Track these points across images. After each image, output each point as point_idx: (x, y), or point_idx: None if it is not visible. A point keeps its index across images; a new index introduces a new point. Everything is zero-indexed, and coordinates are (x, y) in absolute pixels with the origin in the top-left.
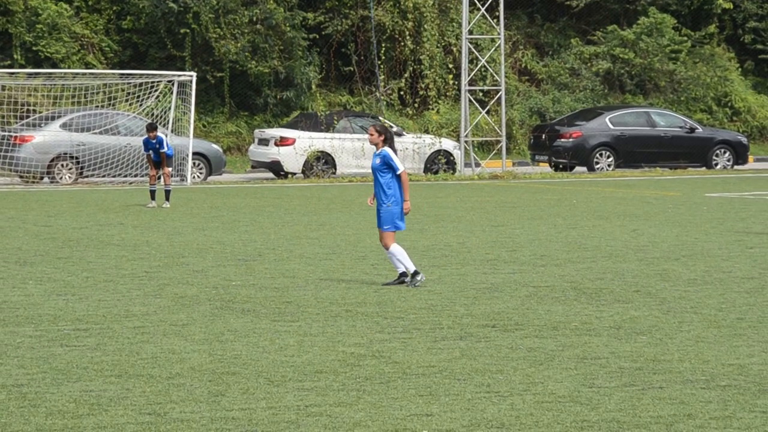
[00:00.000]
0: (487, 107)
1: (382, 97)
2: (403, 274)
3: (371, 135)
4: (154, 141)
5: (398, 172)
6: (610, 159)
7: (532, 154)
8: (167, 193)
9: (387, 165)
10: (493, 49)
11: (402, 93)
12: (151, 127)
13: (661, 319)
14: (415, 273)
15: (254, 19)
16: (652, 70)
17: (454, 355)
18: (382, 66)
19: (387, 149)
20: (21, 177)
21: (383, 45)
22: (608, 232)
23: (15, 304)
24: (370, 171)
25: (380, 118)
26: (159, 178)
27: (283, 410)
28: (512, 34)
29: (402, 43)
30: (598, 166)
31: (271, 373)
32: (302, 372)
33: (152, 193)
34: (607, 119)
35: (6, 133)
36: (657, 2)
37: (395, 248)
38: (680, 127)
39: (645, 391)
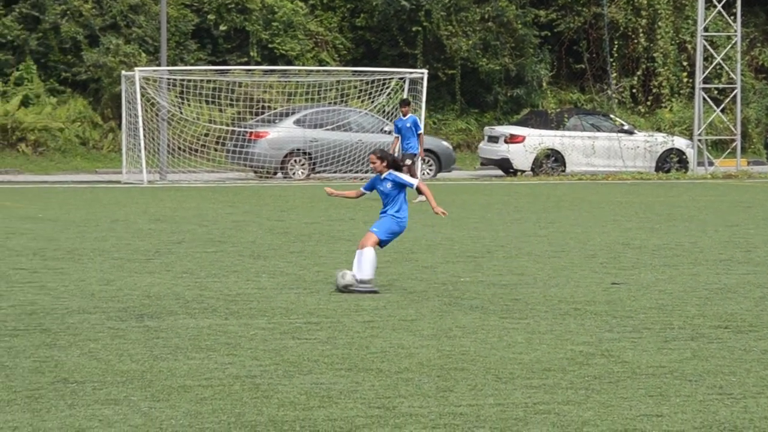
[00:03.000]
0: (722, 105)
1: (614, 95)
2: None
3: (373, 163)
4: (405, 119)
5: (414, 186)
6: None
7: (767, 153)
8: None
9: (399, 186)
10: (729, 46)
11: (634, 91)
12: (405, 102)
13: None
14: (368, 281)
15: (486, 16)
16: None
17: (685, 356)
18: (614, 63)
19: (393, 172)
20: (255, 172)
21: (616, 42)
22: None
23: (249, 297)
24: (600, 169)
25: (611, 116)
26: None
27: (511, 407)
28: (749, 31)
29: (635, 41)
30: None
31: (499, 370)
32: (530, 369)
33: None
34: None
35: (241, 129)
36: None
37: (370, 252)
38: None
39: None
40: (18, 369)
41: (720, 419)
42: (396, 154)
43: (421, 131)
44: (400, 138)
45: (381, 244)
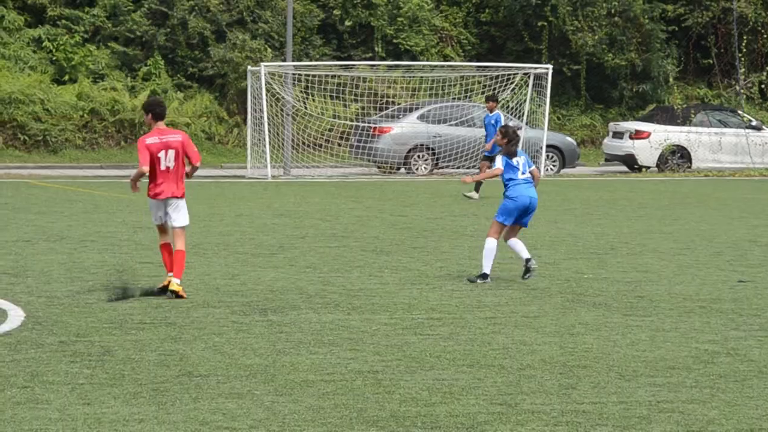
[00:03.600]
0: None
1: (742, 91)
2: (483, 275)
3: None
4: (491, 115)
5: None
6: None
7: None
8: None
9: (506, 164)
10: None
11: (763, 86)
12: (491, 98)
13: None
14: (484, 275)
15: (612, 11)
16: None
17: None
18: (742, 59)
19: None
20: (379, 167)
21: (745, 37)
22: None
23: (371, 292)
24: (727, 166)
25: (739, 111)
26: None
27: (635, 405)
28: None
29: (765, 36)
30: None
31: (623, 368)
32: (654, 367)
33: (477, 184)
34: None
35: (366, 125)
36: None
37: (490, 242)
38: None
39: None
40: (144, 362)
41: None
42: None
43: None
44: (486, 136)
45: (505, 224)
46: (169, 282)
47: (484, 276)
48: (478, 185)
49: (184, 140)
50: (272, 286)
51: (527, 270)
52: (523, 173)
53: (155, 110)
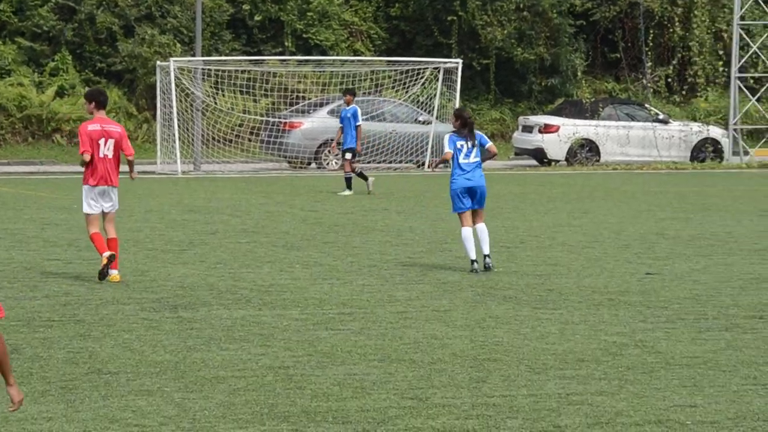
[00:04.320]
0: (758, 94)
1: (649, 85)
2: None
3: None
4: (348, 108)
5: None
6: None
7: None
8: (348, 180)
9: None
10: (766, 35)
11: (669, 80)
12: (349, 91)
13: None
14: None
15: (521, 5)
16: None
17: (720, 346)
18: (649, 53)
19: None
20: (289, 162)
21: (651, 31)
22: None
23: (282, 288)
24: (635, 159)
25: (646, 105)
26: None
27: (544, 398)
28: None
29: (671, 30)
30: None
31: (532, 361)
32: (563, 360)
33: (348, 180)
34: None
35: (276, 120)
36: None
37: (463, 232)
38: None
39: None
40: (52, 360)
41: (754, 409)
42: (338, 144)
43: (359, 123)
44: (342, 129)
45: (461, 212)
46: (109, 273)
47: (471, 262)
48: (349, 181)
49: (122, 132)
50: (182, 283)
51: (472, 269)
52: (466, 157)
53: (98, 99)
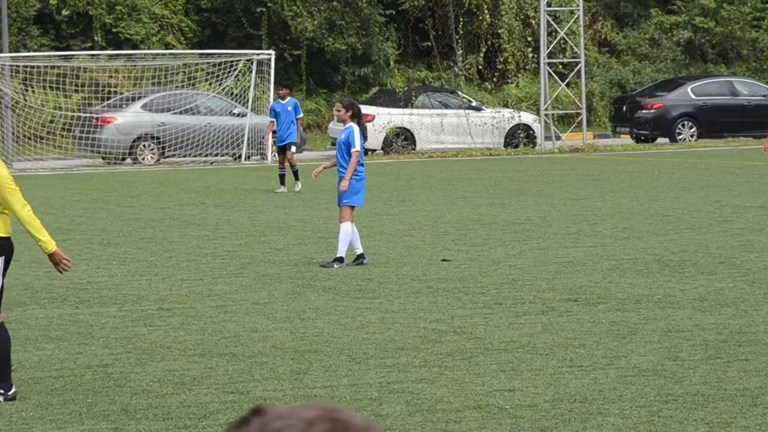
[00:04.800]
0: (567, 80)
1: (461, 72)
2: (361, 256)
3: (338, 111)
4: (285, 102)
5: (352, 150)
6: (692, 129)
7: (613, 126)
8: (296, 173)
9: (348, 143)
10: (572, 20)
11: (480, 67)
12: (284, 84)
13: (746, 290)
14: (340, 259)
15: None
16: (734, 38)
17: (536, 330)
18: (460, 40)
19: (353, 125)
20: (104, 158)
21: (461, 19)
22: (691, 204)
23: (99, 285)
24: (450, 146)
25: (459, 93)
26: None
27: (366, 387)
28: (591, 5)
29: (480, 17)
30: (680, 136)
31: (353, 351)
32: (384, 349)
33: (281, 177)
34: (689, 89)
35: (88, 115)
36: None
37: (346, 227)
38: (764, 96)
39: (730, 363)
40: None
41: (570, 391)
42: (270, 140)
43: (301, 116)
44: (275, 123)
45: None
46: None
47: (361, 256)
48: (282, 177)
49: None
50: None
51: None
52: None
53: None
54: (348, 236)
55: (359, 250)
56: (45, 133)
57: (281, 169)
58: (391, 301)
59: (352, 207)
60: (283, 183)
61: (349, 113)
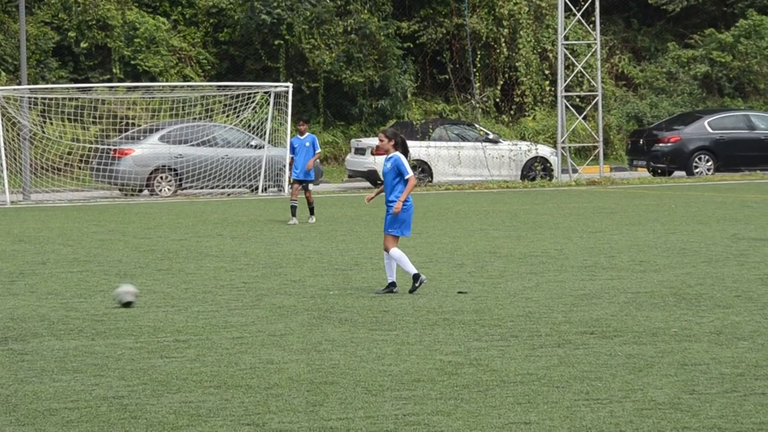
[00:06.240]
0: (584, 113)
1: (478, 105)
2: (392, 284)
3: (381, 141)
4: (303, 138)
5: (406, 177)
6: (709, 163)
7: (630, 159)
8: (312, 209)
9: (398, 170)
10: (590, 54)
11: (498, 100)
12: (303, 119)
13: (762, 324)
14: (416, 276)
15: (348, 29)
16: (751, 72)
17: (553, 363)
18: (477, 73)
19: (398, 154)
20: (121, 190)
21: (478, 52)
22: (708, 237)
23: (116, 316)
24: (467, 179)
25: (476, 125)
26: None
27: (381, 419)
28: (608, 39)
29: (497, 50)
30: (697, 170)
31: (369, 383)
32: (400, 381)
33: (293, 209)
34: (705, 123)
35: (106, 147)
36: (755, 4)
37: (395, 252)
38: None
39: (747, 397)
40: None
41: (587, 424)
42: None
43: (319, 151)
44: (293, 159)
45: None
46: None
47: (416, 277)
48: (294, 209)
49: None
50: (12, 314)
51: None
52: None
53: None
54: (403, 256)
55: (392, 279)
56: (62, 165)
57: (293, 200)
58: (408, 333)
59: (397, 237)
60: (294, 214)
61: (392, 143)
